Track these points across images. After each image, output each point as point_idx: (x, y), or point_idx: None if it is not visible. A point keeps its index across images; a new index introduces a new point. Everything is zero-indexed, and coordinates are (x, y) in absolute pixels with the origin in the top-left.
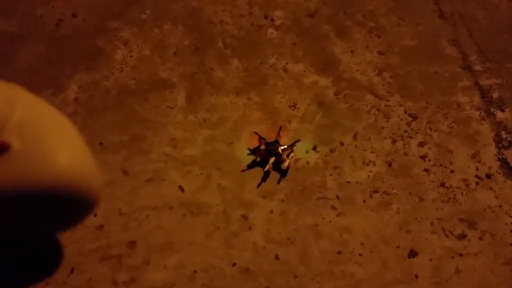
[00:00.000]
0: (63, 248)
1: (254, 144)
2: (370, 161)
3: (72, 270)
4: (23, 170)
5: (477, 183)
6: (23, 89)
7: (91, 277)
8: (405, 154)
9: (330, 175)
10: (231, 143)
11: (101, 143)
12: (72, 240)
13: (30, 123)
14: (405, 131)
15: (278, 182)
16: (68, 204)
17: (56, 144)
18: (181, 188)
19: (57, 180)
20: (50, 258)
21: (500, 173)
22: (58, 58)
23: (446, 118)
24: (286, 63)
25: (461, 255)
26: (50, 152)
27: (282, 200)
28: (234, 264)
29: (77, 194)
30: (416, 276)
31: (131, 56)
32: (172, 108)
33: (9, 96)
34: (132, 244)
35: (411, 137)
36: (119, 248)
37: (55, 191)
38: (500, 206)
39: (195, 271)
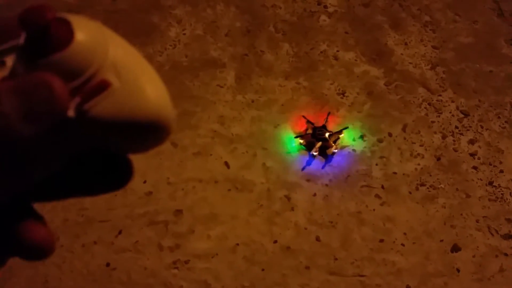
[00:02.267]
0: (113, 210)
1: (301, 128)
2: (418, 154)
3: (120, 232)
4: (120, 104)
5: None
6: (110, 29)
7: (138, 240)
8: (455, 150)
9: (376, 164)
10: (278, 125)
11: None
12: (122, 204)
13: (121, 62)
14: (456, 127)
15: (323, 167)
16: (151, 133)
17: (145, 82)
18: (226, 164)
19: (146, 113)
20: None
21: None
22: (113, 31)
23: (499, 118)
24: (337, 51)
25: (506, 254)
26: (141, 89)
27: (326, 185)
28: (275, 241)
29: (160, 125)
30: (458, 271)
31: (184, 34)
32: (222, 87)
33: (103, 35)
34: (178, 212)
35: (461, 134)
36: (166, 215)
37: (144, 122)
38: None
39: (237, 244)
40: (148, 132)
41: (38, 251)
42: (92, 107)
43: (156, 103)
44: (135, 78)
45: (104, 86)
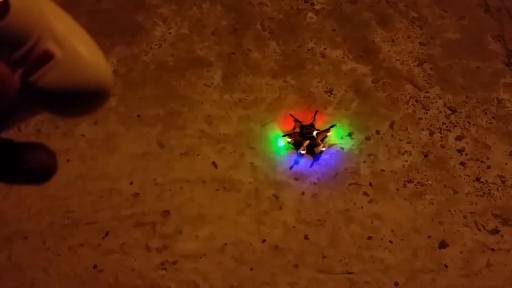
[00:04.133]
0: (99, 212)
1: (288, 126)
2: (406, 151)
3: (107, 234)
4: (64, 73)
5: None
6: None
7: (125, 242)
8: (442, 146)
9: (364, 162)
10: (265, 124)
11: (138, 116)
12: (108, 206)
13: (58, 30)
14: (443, 124)
15: (311, 165)
16: (95, 96)
17: (83, 47)
18: (214, 164)
19: (89, 79)
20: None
21: None
22: (98, 31)
23: (486, 113)
24: (325, 48)
25: (493, 249)
26: (81, 56)
27: (314, 183)
28: (263, 241)
29: (102, 87)
30: (446, 266)
31: (169, 33)
32: (208, 86)
33: (37, 3)
34: (165, 213)
35: (449, 130)
36: (153, 216)
37: (88, 88)
38: None
39: (226, 244)
40: (92, 96)
41: (40, 173)
42: (39, 79)
43: (96, 68)
44: (74, 45)
45: (48, 56)
